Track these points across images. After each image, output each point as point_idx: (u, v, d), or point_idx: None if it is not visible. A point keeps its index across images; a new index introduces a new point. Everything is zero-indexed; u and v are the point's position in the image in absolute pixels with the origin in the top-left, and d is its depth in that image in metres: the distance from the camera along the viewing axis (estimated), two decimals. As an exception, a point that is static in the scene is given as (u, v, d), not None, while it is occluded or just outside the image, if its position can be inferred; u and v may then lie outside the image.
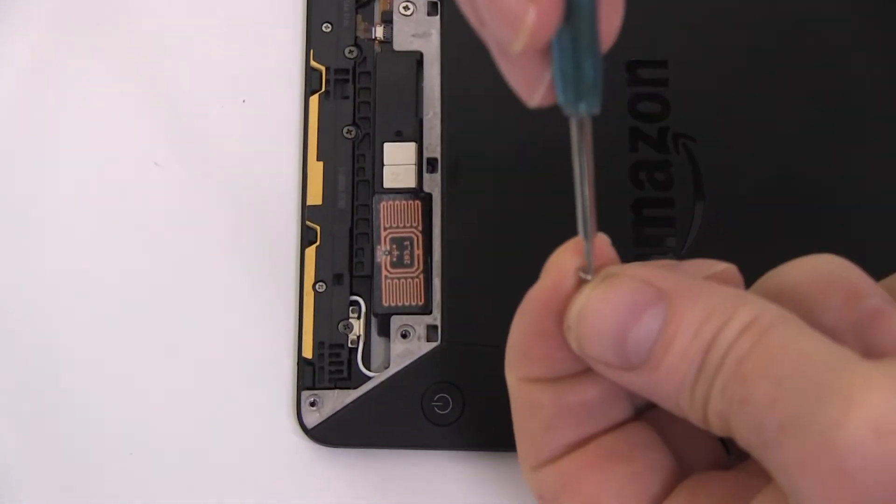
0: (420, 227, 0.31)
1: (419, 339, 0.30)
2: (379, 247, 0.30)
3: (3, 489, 0.30)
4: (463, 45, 0.31)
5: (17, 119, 0.33)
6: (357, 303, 0.30)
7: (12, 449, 0.30)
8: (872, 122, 0.31)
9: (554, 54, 0.19)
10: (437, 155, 0.31)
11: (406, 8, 0.32)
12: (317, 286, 0.30)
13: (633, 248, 0.30)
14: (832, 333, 0.19)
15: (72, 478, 0.30)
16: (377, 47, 0.33)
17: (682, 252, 0.30)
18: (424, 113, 0.32)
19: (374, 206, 0.31)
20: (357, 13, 0.33)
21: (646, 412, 0.23)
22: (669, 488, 0.21)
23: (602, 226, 0.30)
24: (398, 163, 0.31)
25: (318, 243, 0.31)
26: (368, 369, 0.30)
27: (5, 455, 0.30)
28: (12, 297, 0.32)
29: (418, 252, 0.30)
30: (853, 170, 0.31)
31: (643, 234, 0.30)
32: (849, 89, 0.31)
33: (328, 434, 0.29)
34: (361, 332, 0.30)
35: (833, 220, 0.30)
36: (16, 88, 0.33)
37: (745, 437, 0.19)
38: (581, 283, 0.22)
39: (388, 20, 0.33)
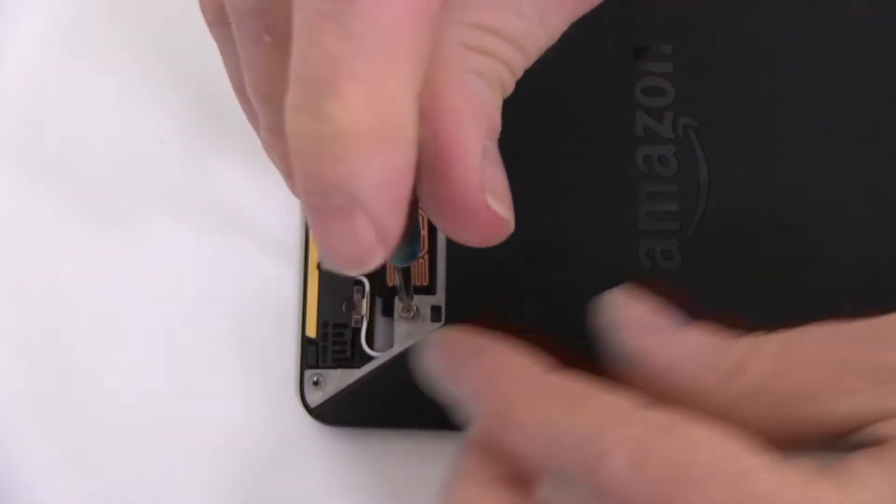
0: (425, 209, 0.31)
1: (423, 319, 0.30)
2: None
3: (14, 464, 0.30)
4: None
5: (25, 100, 0.33)
6: (361, 283, 0.30)
7: (22, 423, 0.30)
8: (881, 108, 0.31)
9: None
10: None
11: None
12: (321, 265, 0.30)
13: (637, 233, 0.30)
14: None
15: (76, 453, 0.30)
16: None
17: (687, 236, 0.30)
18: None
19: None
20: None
21: None
22: None
23: (608, 211, 0.30)
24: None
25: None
26: (372, 349, 0.30)
27: (16, 429, 0.30)
28: (22, 277, 0.32)
29: (423, 233, 0.30)
30: (858, 155, 0.31)
31: (647, 218, 0.30)
32: (858, 74, 0.31)
33: (331, 413, 0.29)
34: (365, 312, 0.30)
35: (836, 206, 0.30)
36: (23, 68, 0.33)
37: None
38: None
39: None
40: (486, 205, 0.19)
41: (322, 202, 0.17)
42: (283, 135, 0.21)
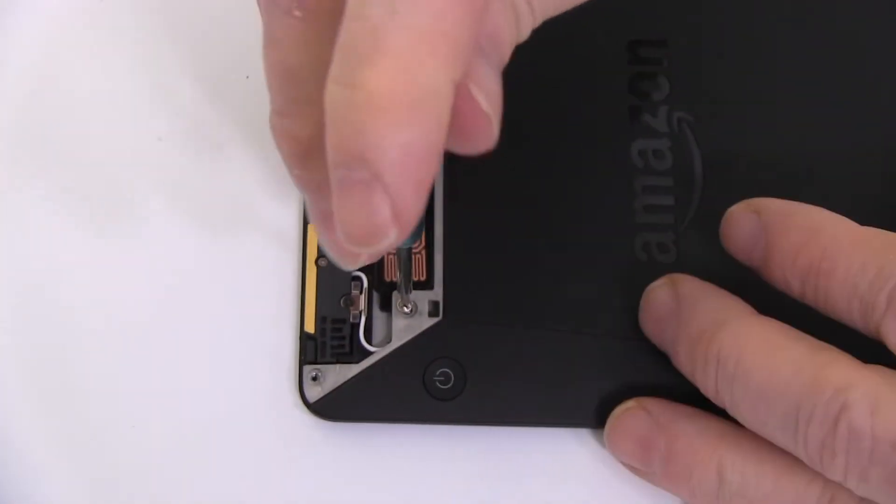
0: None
1: (421, 314, 0.30)
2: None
3: (13, 463, 0.30)
4: None
5: (22, 99, 0.33)
6: (359, 278, 0.31)
7: (21, 419, 0.31)
8: (878, 101, 0.31)
9: None
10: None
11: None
12: (319, 261, 0.31)
13: (633, 226, 0.30)
14: None
15: (75, 449, 0.30)
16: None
17: (681, 230, 0.30)
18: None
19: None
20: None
21: None
22: None
23: (603, 203, 0.31)
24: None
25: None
26: (370, 344, 0.30)
27: (16, 425, 0.30)
28: (21, 275, 0.32)
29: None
30: (854, 147, 0.31)
31: (643, 212, 0.30)
32: (853, 66, 0.32)
33: (330, 408, 0.30)
34: (364, 308, 0.30)
35: (832, 199, 0.30)
36: (21, 68, 0.34)
37: None
38: None
39: None
40: (470, 93, 0.19)
41: (346, 174, 0.17)
42: (296, 116, 0.21)
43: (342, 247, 0.21)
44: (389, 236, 0.18)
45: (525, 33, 0.21)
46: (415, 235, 0.22)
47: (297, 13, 0.20)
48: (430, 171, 0.18)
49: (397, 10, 0.17)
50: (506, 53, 0.20)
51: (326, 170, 0.19)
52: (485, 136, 0.20)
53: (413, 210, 0.18)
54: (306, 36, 0.20)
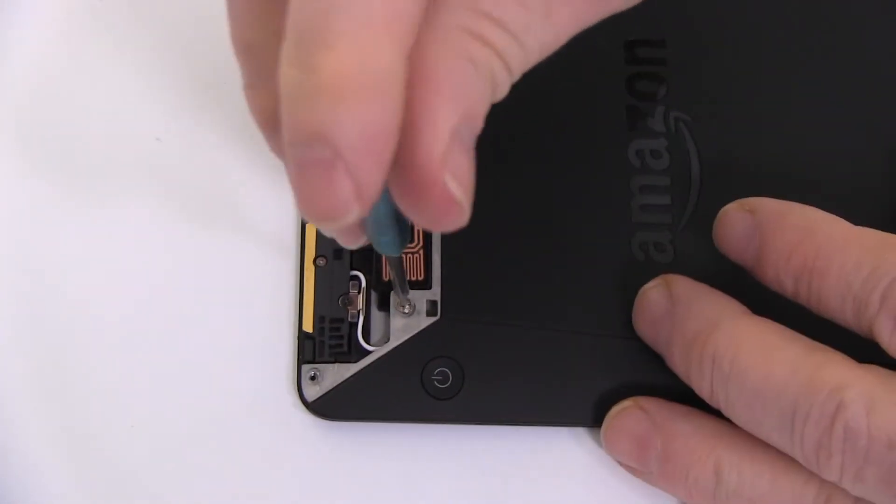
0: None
1: (419, 313, 0.30)
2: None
3: (14, 460, 0.30)
4: None
5: (22, 100, 0.33)
6: (357, 277, 0.31)
7: (19, 418, 0.31)
8: (874, 102, 0.31)
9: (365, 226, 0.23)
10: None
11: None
12: (317, 261, 0.31)
13: (631, 226, 0.30)
14: None
15: (74, 448, 0.30)
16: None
17: (678, 230, 0.30)
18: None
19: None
20: None
21: None
22: None
23: (600, 203, 0.31)
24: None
25: (318, 219, 0.31)
26: (368, 343, 0.30)
27: (13, 424, 0.31)
28: (20, 275, 0.32)
29: (418, 227, 0.31)
30: (851, 149, 0.31)
31: (640, 212, 0.30)
32: (850, 67, 0.32)
33: (328, 407, 0.30)
34: (361, 307, 0.30)
35: (828, 200, 0.30)
36: (20, 69, 0.34)
37: None
38: None
39: None
40: (443, 182, 0.19)
41: (304, 153, 0.18)
42: (261, 88, 0.22)
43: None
44: (351, 214, 0.18)
45: (502, 95, 0.21)
46: (397, 245, 0.23)
47: None
48: (389, 146, 0.18)
49: None
50: (480, 125, 0.21)
51: None
52: (456, 219, 0.20)
53: (374, 186, 0.18)
54: (261, 10, 0.21)
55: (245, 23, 0.22)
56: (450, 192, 0.19)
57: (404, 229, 0.22)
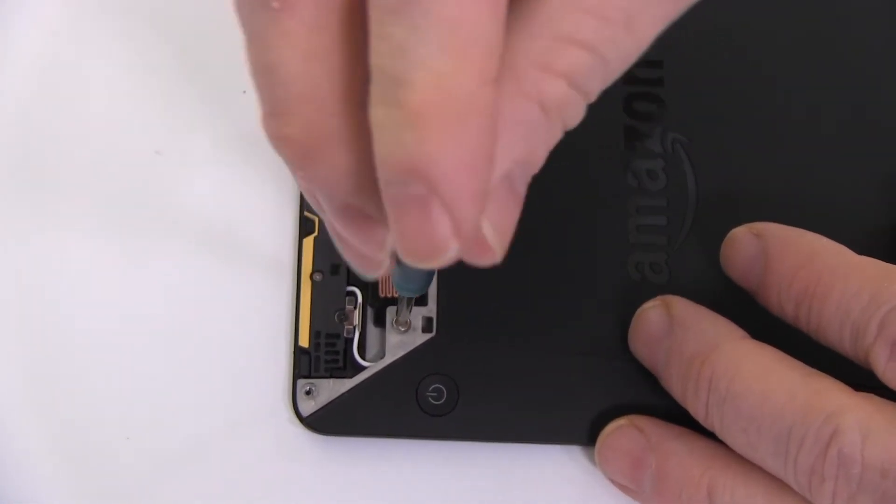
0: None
1: (414, 330, 0.30)
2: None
3: (9, 471, 0.30)
4: None
5: (21, 111, 0.33)
6: (353, 293, 0.31)
7: (17, 430, 0.31)
8: (872, 127, 0.32)
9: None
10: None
11: None
12: (314, 276, 0.31)
13: (627, 246, 0.31)
14: None
15: (71, 460, 0.30)
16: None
17: (674, 250, 0.30)
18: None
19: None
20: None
21: None
22: None
23: (596, 223, 0.31)
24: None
25: (315, 234, 0.31)
26: (364, 359, 0.30)
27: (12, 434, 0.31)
28: (17, 289, 0.32)
29: None
30: (847, 169, 0.31)
31: (636, 232, 0.31)
32: (847, 92, 0.32)
33: (323, 422, 0.30)
34: (357, 323, 0.30)
35: (824, 221, 0.30)
36: (19, 80, 0.34)
37: None
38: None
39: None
40: (477, 225, 0.19)
41: (400, 191, 0.18)
42: (291, 116, 0.20)
43: (358, 253, 0.21)
44: (451, 250, 0.18)
45: (577, 122, 0.20)
46: (421, 287, 0.23)
47: (275, 4, 0.19)
48: (484, 178, 0.18)
49: (417, 26, 0.17)
50: (537, 168, 0.20)
51: (328, 169, 0.19)
52: (486, 261, 0.20)
53: (472, 221, 0.18)
54: (288, 28, 0.19)
55: (270, 42, 0.19)
56: (483, 238, 0.19)
57: (431, 276, 0.22)
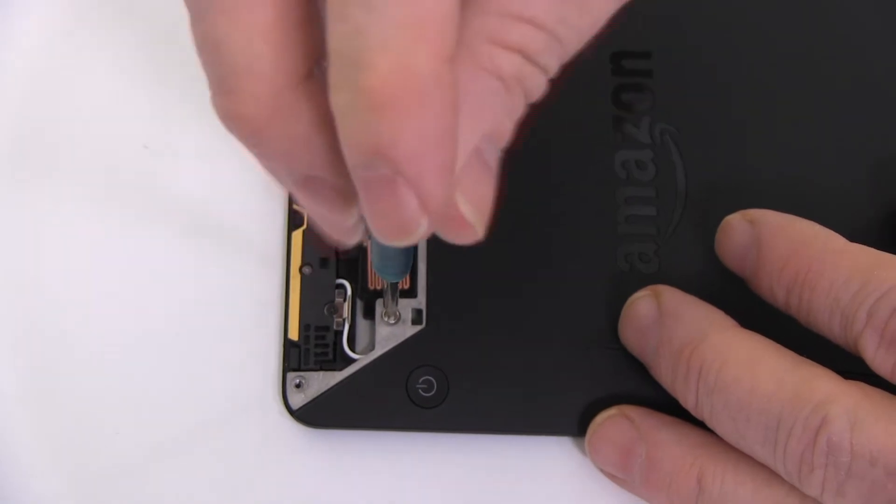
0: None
1: (404, 322, 0.30)
2: (365, 231, 0.31)
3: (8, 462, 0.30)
4: None
5: (10, 107, 0.33)
6: (343, 286, 0.31)
7: (7, 423, 0.31)
8: (862, 117, 0.32)
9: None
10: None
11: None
12: (303, 269, 0.31)
13: (616, 237, 0.31)
14: None
15: (61, 453, 0.30)
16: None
17: (663, 241, 0.30)
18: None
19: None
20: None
21: None
22: None
23: (585, 213, 0.31)
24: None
25: (304, 227, 0.31)
26: (354, 352, 0.30)
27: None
28: (7, 281, 0.32)
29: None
30: (837, 160, 0.31)
31: (626, 223, 0.31)
32: (837, 81, 0.32)
33: (313, 415, 0.30)
34: (347, 315, 0.30)
35: (814, 212, 0.30)
36: (8, 76, 0.34)
37: None
38: None
39: None
40: (446, 201, 0.19)
41: (367, 174, 0.18)
42: (240, 94, 0.19)
43: (328, 223, 0.22)
44: (421, 226, 0.18)
45: (539, 96, 0.20)
46: (401, 272, 0.23)
47: None
48: (449, 155, 0.18)
49: (373, 6, 0.17)
50: (506, 140, 0.20)
51: (282, 144, 0.19)
52: (468, 237, 0.20)
53: (439, 197, 0.18)
54: (230, 3, 0.19)
55: (215, 17, 0.19)
56: (460, 214, 0.19)
57: (409, 255, 0.22)
